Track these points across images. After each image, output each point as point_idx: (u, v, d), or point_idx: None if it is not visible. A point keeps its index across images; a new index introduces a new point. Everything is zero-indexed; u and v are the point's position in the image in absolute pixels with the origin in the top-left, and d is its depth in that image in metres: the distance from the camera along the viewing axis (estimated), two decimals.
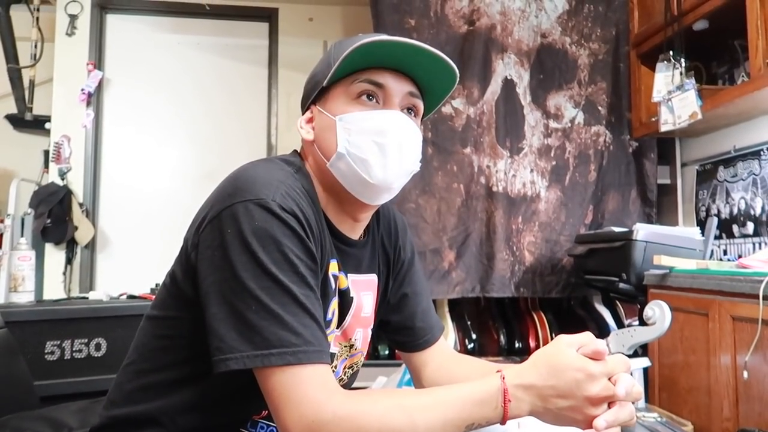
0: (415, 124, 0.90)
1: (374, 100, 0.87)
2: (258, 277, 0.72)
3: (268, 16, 3.60)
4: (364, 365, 1.03)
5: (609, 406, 0.72)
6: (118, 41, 3.47)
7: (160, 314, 0.88)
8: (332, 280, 0.88)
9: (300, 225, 0.76)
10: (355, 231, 0.94)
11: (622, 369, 0.73)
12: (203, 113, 3.51)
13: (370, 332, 1.00)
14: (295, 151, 0.95)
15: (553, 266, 2.78)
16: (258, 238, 0.73)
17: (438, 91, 0.93)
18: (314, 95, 0.91)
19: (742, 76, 2.45)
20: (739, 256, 2.36)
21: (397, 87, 0.87)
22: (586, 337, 0.76)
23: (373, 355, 2.79)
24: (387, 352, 2.81)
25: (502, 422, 0.73)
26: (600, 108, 2.90)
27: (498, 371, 0.75)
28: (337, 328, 0.91)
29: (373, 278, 0.99)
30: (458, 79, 0.91)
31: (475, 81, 2.80)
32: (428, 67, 0.87)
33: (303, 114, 0.94)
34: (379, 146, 0.84)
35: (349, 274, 0.92)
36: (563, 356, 0.73)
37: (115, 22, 3.49)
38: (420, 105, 0.92)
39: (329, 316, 0.87)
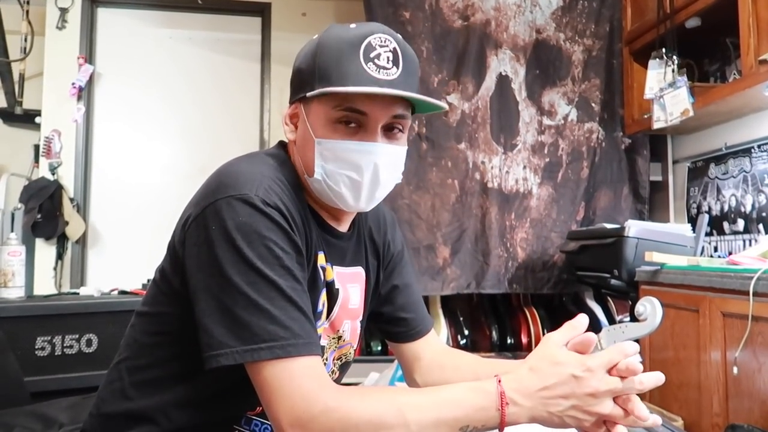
0: (397, 144, 0.86)
1: (355, 125, 0.82)
2: (244, 273, 0.72)
3: (261, 11, 3.58)
4: (356, 361, 1.04)
5: (615, 401, 0.72)
6: (109, 35, 3.44)
7: (150, 310, 0.88)
8: (321, 271, 0.88)
9: (284, 218, 0.77)
10: (342, 223, 0.94)
11: (619, 357, 0.72)
12: (195, 108, 3.49)
13: (359, 324, 1.00)
14: (281, 142, 0.95)
15: (544, 263, 2.79)
16: (242, 233, 0.74)
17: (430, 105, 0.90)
18: (299, 96, 0.86)
19: (734, 74, 2.47)
20: (730, 253, 2.38)
21: (381, 114, 0.82)
22: (568, 329, 0.76)
23: (365, 350, 2.79)
24: (380, 348, 2.81)
25: (500, 428, 0.72)
26: (593, 105, 2.91)
27: (495, 375, 0.74)
28: (326, 320, 0.91)
29: (358, 271, 0.99)
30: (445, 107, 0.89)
31: (470, 76, 2.80)
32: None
33: (290, 103, 0.90)
34: (352, 182, 0.83)
35: (334, 266, 0.92)
36: (559, 356, 0.73)
37: (106, 15, 3.45)
38: (407, 122, 0.87)
39: (319, 307, 0.88)
